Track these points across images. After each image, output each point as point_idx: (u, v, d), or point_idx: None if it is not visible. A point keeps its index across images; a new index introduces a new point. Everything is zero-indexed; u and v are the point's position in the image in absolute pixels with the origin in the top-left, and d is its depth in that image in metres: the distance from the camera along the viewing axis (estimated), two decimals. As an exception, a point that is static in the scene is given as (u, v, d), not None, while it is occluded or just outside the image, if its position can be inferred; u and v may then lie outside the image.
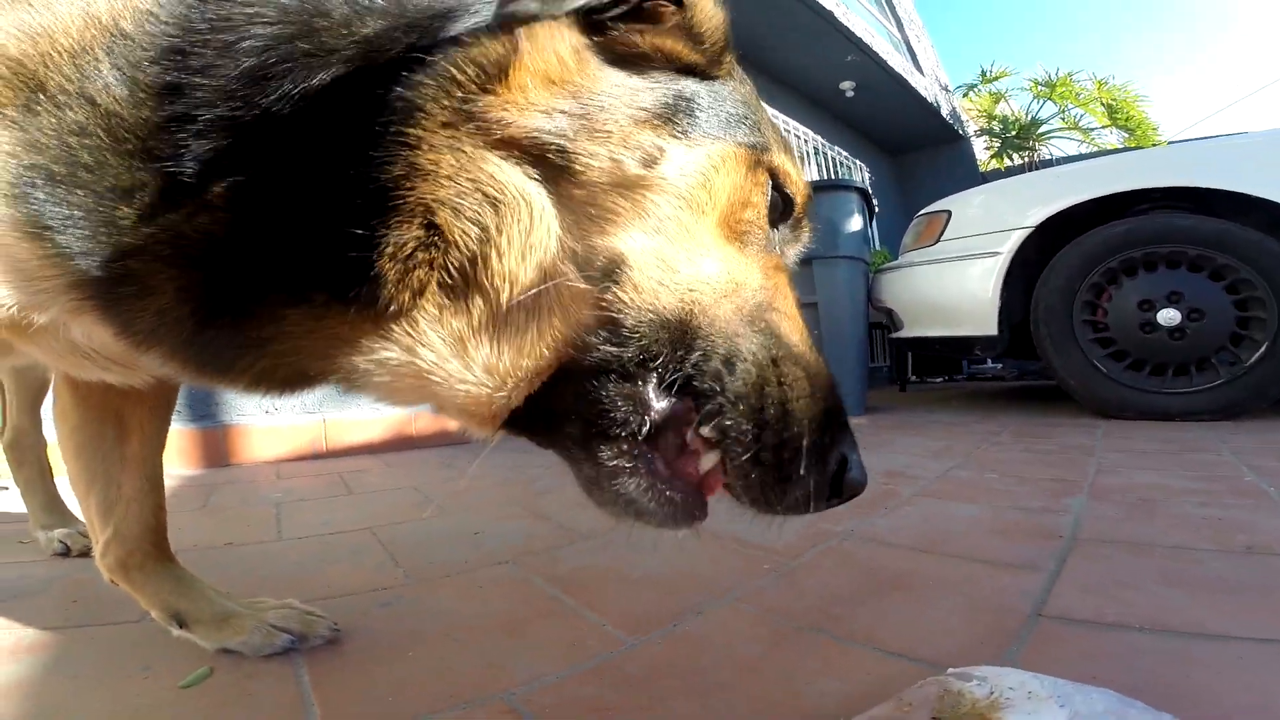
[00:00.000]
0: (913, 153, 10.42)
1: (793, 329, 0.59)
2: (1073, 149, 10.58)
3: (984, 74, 10.96)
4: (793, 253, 0.69)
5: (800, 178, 0.66)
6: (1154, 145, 9.00)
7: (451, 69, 0.51)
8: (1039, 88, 10.47)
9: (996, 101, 11.08)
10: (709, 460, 0.55)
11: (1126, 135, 10.24)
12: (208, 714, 0.73)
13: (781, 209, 0.64)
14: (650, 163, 0.54)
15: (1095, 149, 10.17)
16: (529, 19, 0.52)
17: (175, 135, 0.51)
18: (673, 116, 0.56)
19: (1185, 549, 1.16)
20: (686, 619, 0.95)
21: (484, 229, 0.51)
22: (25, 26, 0.50)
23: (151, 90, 0.51)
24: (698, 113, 0.58)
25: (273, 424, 2.92)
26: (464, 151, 0.51)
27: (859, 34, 7.23)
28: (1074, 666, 0.75)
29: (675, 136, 0.56)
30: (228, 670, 0.83)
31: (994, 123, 10.88)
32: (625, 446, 0.53)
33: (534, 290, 0.52)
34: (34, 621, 1.00)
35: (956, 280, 3.71)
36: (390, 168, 0.50)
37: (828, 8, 6.64)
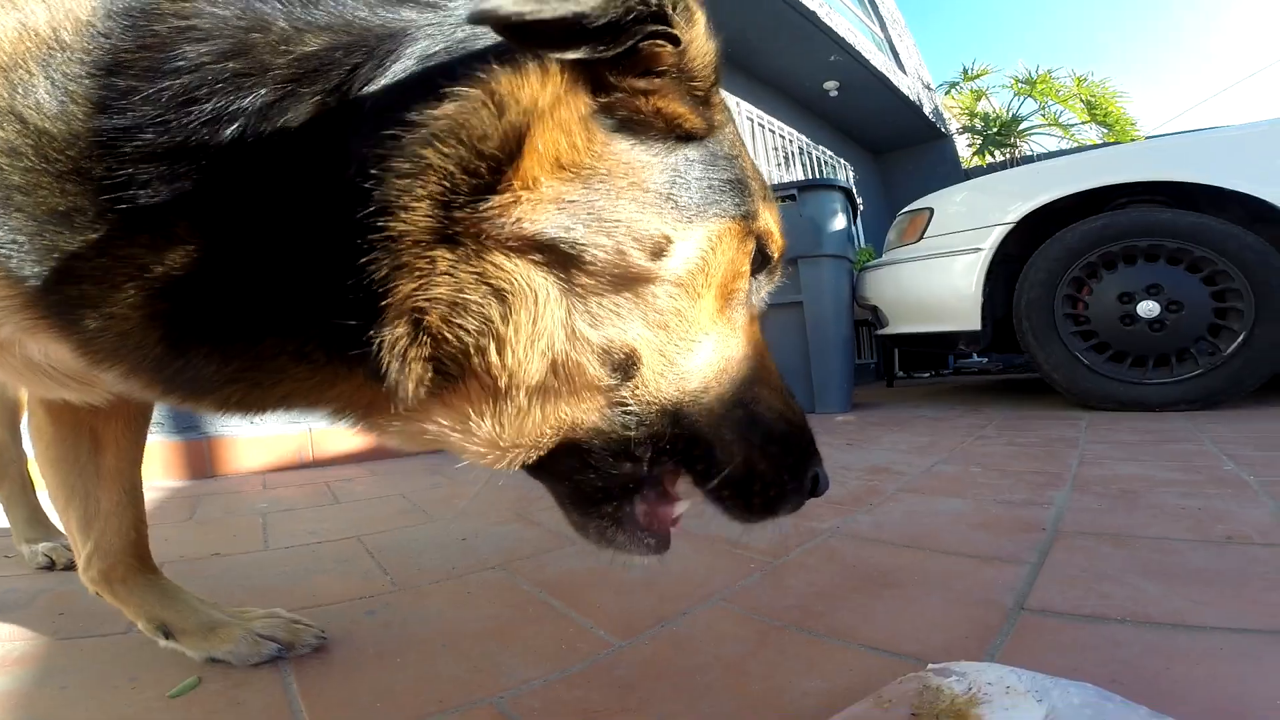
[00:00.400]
0: (896, 151, 10.49)
1: (768, 385, 0.65)
2: (1053, 145, 10.73)
3: (966, 72, 11.08)
4: (764, 295, 0.71)
5: (778, 228, 0.68)
6: (1132, 140, 9.10)
7: (431, 147, 0.48)
8: (1020, 85, 10.59)
9: (978, 99, 11.19)
10: (680, 508, 0.65)
11: (1105, 131, 10.37)
12: (197, 722, 0.73)
13: (763, 262, 0.66)
14: (657, 254, 0.54)
15: (1075, 145, 10.29)
16: (513, 20, 0.44)
17: (111, 158, 0.49)
18: (674, 195, 0.55)
19: (1165, 540, 1.18)
20: (674, 620, 0.96)
21: (486, 324, 0.50)
22: None
23: (82, 107, 0.49)
24: (694, 186, 0.57)
25: (257, 434, 2.90)
26: (458, 249, 0.49)
27: (842, 34, 7.27)
28: (1055, 659, 0.76)
29: (677, 221, 0.55)
30: (216, 679, 0.83)
31: (976, 120, 11.00)
32: (612, 508, 0.61)
33: (543, 381, 0.53)
34: (21, 635, 0.99)
35: (940, 276, 3.75)
36: (373, 264, 0.48)
37: (811, 8, 6.67)
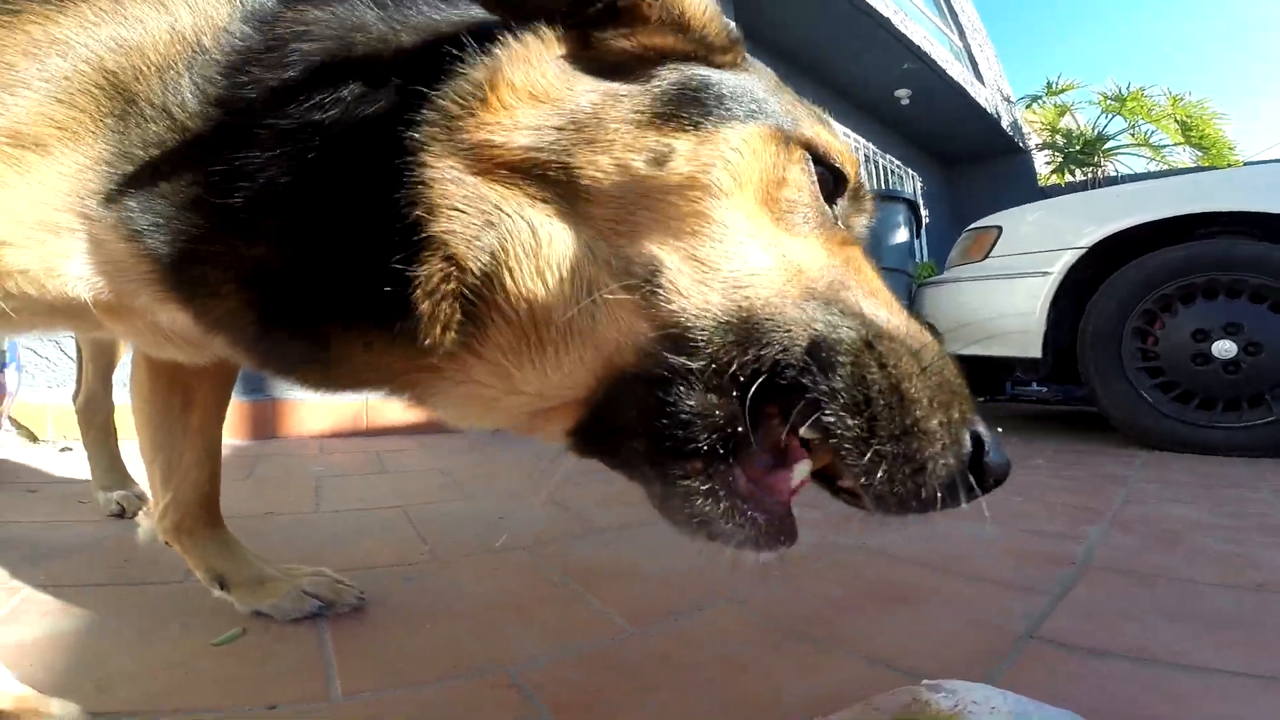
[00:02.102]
0: (969, 164, 10.19)
1: (879, 303, 0.54)
2: (1141, 166, 10.22)
3: (1050, 86, 10.63)
4: (860, 224, 0.64)
5: (845, 148, 0.61)
6: (1229, 165, 8.60)
7: (445, 97, 0.52)
8: (1108, 101, 10.12)
9: (1061, 114, 10.74)
10: (800, 471, 0.52)
11: (1200, 154, 9.84)
12: (234, 670, 0.80)
13: (834, 184, 0.59)
14: (660, 162, 0.51)
15: (1165, 167, 9.79)
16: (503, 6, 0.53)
17: (231, 152, 0.55)
18: (677, 112, 0.53)
19: (1193, 583, 1.16)
20: (686, 615, 0.99)
21: (493, 255, 0.51)
22: (120, 41, 0.54)
23: (215, 105, 0.55)
24: (707, 102, 0.54)
25: (318, 400, 3.04)
26: (465, 181, 0.51)
27: (917, 42, 7.12)
28: (1051, 688, 0.77)
29: (682, 131, 0.53)
30: (258, 632, 0.90)
31: (1057, 136, 10.55)
32: (699, 464, 0.49)
33: (566, 307, 0.50)
34: (83, 579, 1.07)
35: (1003, 298, 3.60)
36: (413, 208, 0.51)
37: (885, 15, 6.55)
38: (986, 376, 7.10)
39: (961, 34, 9.71)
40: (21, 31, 0.51)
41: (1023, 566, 1.25)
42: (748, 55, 0.65)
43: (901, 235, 4.12)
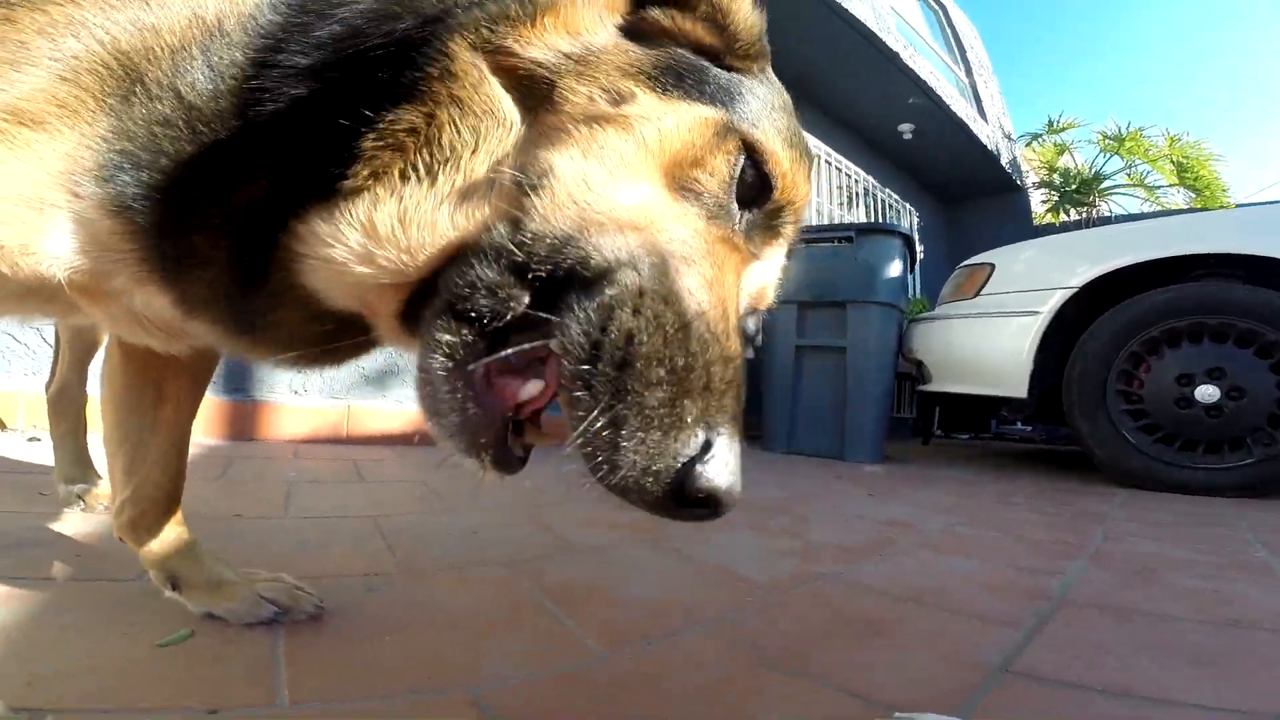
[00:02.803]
0: (966, 200, 10.29)
1: (700, 286, 0.54)
2: (1135, 206, 10.32)
3: (1051, 124, 10.74)
4: (769, 247, 0.66)
5: (791, 167, 0.64)
6: (1221, 206, 8.71)
7: (506, 6, 0.59)
8: (1107, 141, 10.21)
9: (1060, 153, 10.85)
10: (529, 390, 0.53)
11: (1194, 195, 9.94)
12: (178, 671, 0.77)
13: (759, 187, 0.62)
14: (618, 101, 0.58)
15: (1159, 208, 9.91)
16: None
17: (244, 117, 0.57)
18: (659, 75, 0.61)
19: (1170, 618, 1.16)
20: (661, 640, 0.97)
21: (470, 132, 0.56)
22: (138, 23, 0.55)
23: (231, 87, 0.57)
24: (686, 78, 0.61)
25: (299, 404, 3.01)
26: (480, 68, 0.57)
27: (924, 76, 7.21)
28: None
29: (652, 89, 0.60)
30: (209, 635, 0.87)
31: (1055, 175, 10.66)
32: (462, 328, 0.51)
33: (475, 182, 0.56)
34: (34, 572, 1.04)
35: (991, 337, 3.64)
36: (428, 66, 0.56)
37: (894, 49, 6.64)
38: (971, 414, 7.15)
39: (968, 70, 9.84)
40: (42, 11, 0.52)
41: (1000, 600, 1.25)
42: (770, 73, 0.70)
43: (895, 270, 4.12)
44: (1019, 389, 3.49)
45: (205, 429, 2.73)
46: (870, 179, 7.88)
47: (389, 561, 1.26)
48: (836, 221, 5.75)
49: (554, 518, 1.71)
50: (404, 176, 0.55)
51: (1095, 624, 1.13)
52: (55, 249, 0.57)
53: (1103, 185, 10.35)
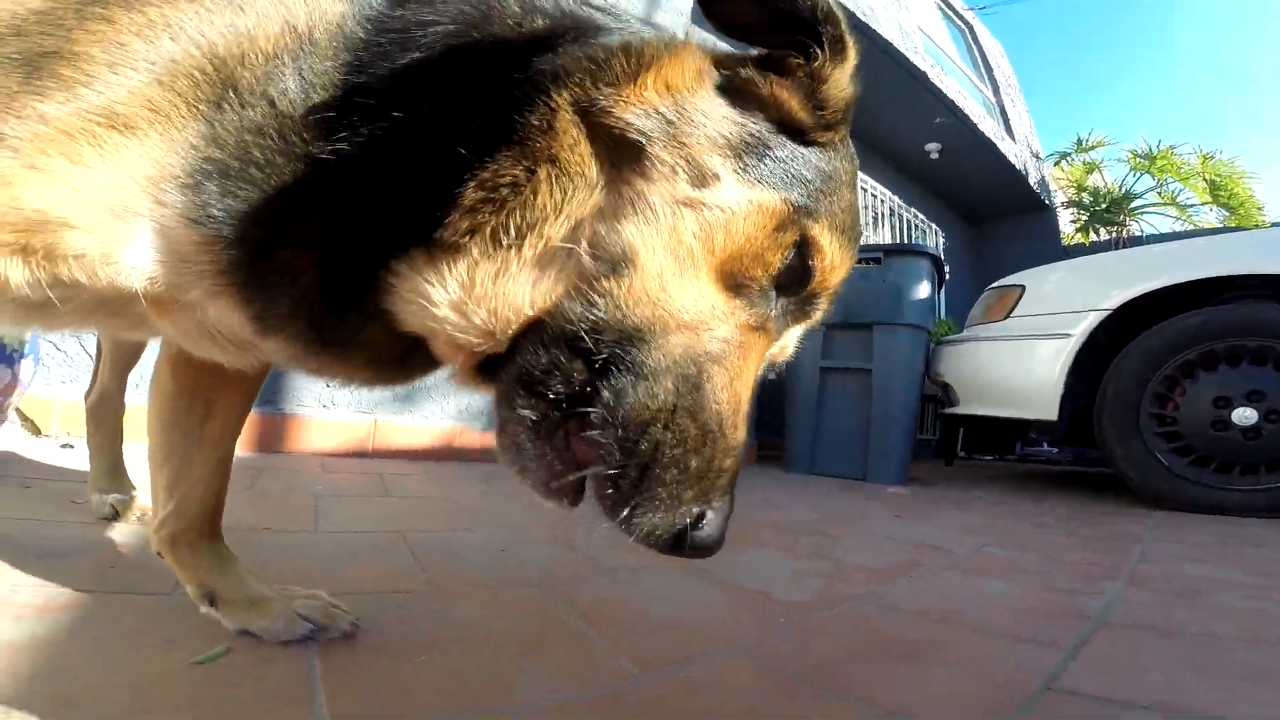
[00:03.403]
0: (994, 221, 10.16)
1: (723, 386, 0.60)
2: (1166, 225, 10.17)
3: (1080, 143, 10.61)
4: (794, 330, 0.70)
5: (836, 261, 0.67)
6: (1256, 225, 8.53)
7: (606, 55, 0.59)
8: (1138, 159, 10.07)
9: (1090, 172, 10.72)
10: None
11: (1227, 214, 9.77)
12: (213, 690, 0.76)
13: (799, 277, 0.65)
14: (701, 183, 0.59)
15: (1191, 227, 9.73)
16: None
17: (336, 131, 0.57)
18: (743, 153, 0.61)
19: (1216, 637, 1.13)
20: (694, 662, 0.96)
21: (560, 194, 0.57)
22: (234, 28, 0.55)
23: (322, 97, 0.57)
24: (766, 160, 0.62)
25: (328, 418, 3.04)
26: (579, 126, 0.58)
27: (952, 96, 7.17)
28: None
29: (735, 171, 0.60)
30: (244, 652, 0.86)
31: (1084, 194, 10.52)
32: (541, 404, 0.58)
33: (555, 249, 0.58)
34: (69, 582, 1.03)
35: (1022, 360, 3.58)
36: (529, 115, 0.57)
37: (922, 68, 6.62)
38: (995, 436, 7.02)
39: (995, 89, 9.76)
40: (139, 12, 0.52)
41: (1037, 621, 1.22)
42: (848, 140, 0.72)
43: (923, 292, 4.07)
44: (1049, 412, 3.42)
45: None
46: (896, 199, 7.83)
47: (419, 578, 1.26)
48: (863, 243, 5.70)
49: (579, 537, 1.69)
50: (496, 239, 0.57)
51: (1138, 643, 1.10)
52: (135, 259, 0.56)
53: (1133, 204, 10.20)
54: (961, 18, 9.84)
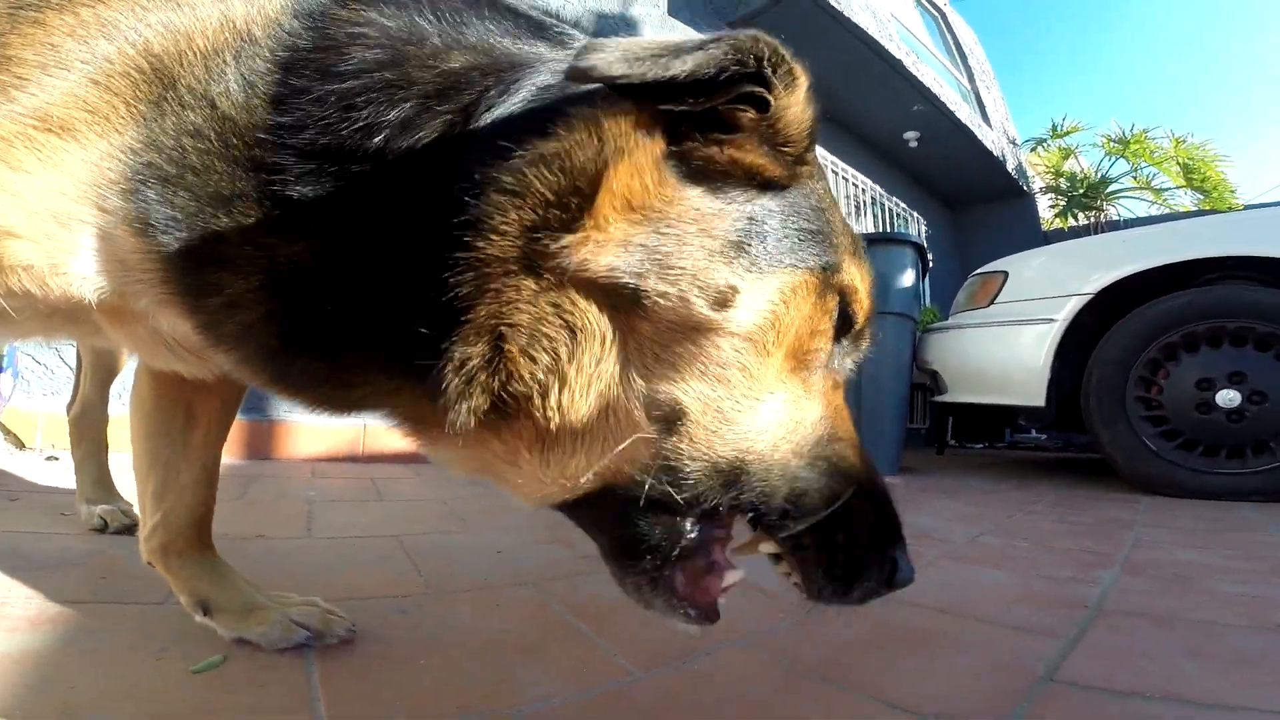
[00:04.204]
0: (973, 207, 10.23)
1: (849, 450, 0.61)
2: (1143, 209, 10.29)
3: (1055, 128, 10.72)
4: (850, 363, 0.66)
5: (866, 288, 0.63)
6: (1230, 209, 8.65)
7: (524, 185, 0.50)
8: (1111, 144, 10.18)
9: (1065, 157, 10.82)
10: (731, 578, 0.60)
11: (1201, 197, 9.90)
12: (212, 698, 0.75)
13: (847, 323, 0.62)
14: (721, 305, 0.52)
15: (1167, 210, 9.86)
16: (608, 81, 0.49)
17: (277, 151, 0.53)
18: (746, 244, 0.54)
19: (1214, 624, 1.14)
20: (698, 657, 0.95)
21: (555, 360, 0.52)
22: (170, 25, 0.53)
23: (263, 99, 0.54)
24: (769, 237, 0.56)
25: (317, 423, 3.01)
26: (540, 281, 0.51)
27: (928, 84, 7.20)
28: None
29: (747, 270, 0.54)
30: (241, 660, 0.85)
31: (1061, 179, 10.63)
32: (650, 566, 0.56)
33: (592, 433, 0.53)
34: (60, 595, 1.02)
35: (1007, 346, 3.61)
36: (459, 285, 0.51)
37: (897, 56, 6.64)
38: (985, 424, 7.09)
39: (970, 76, 9.82)
40: (71, 13, 0.50)
41: (1036, 611, 1.23)
42: (814, 153, 0.64)
43: (908, 279, 4.09)
44: (1037, 398, 3.45)
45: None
46: (878, 188, 7.87)
47: (416, 582, 1.25)
48: (846, 231, 5.73)
49: (576, 535, 1.68)
50: (506, 420, 0.54)
51: (1137, 632, 1.11)
52: (83, 268, 0.55)
53: (1109, 189, 10.32)
54: (935, 5, 9.88)
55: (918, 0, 9.37)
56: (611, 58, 0.48)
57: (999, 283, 3.81)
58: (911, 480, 3.75)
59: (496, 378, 0.52)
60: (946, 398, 4.11)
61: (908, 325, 4.17)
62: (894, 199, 8.23)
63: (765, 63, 0.53)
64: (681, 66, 0.48)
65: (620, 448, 0.53)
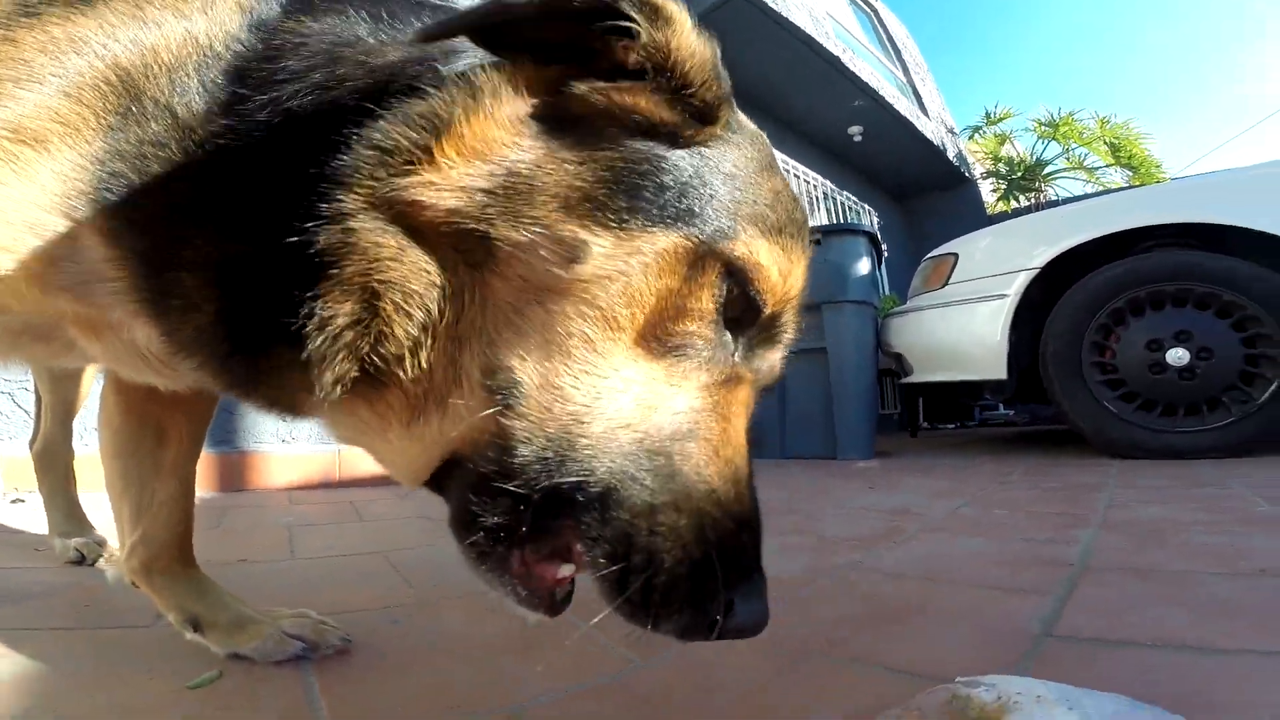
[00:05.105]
0: (921, 196, 10.53)
1: (708, 460, 0.52)
2: (1078, 189, 10.71)
3: (989, 115, 11.14)
4: (771, 356, 0.60)
5: (782, 268, 0.56)
6: (1158, 182, 9.05)
7: (383, 137, 0.51)
8: (1042, 127, 10.61)
9: (1002, 143, 11.23)
10: (566, 570, 0.54)
11: (1131, 174, 10.33)
12: (213, 714, 0.74)
13: (745, 305, 0.55)
14: (570, 261, 0.49)
15: (1100, 188, 10.26)
16: (451, 33, 0.52)
17: (225, 152, 0.55)
18: (610, 199, 0.50)
19: (1193, 573, 1.17)
20: (694, 645, 0.95)
21: (424, 317, 0.51)
22: (137, 40, 0.55)
23: (219, 109, 0.55)
24: (641, 189, 0.51)
25: (288, 452, 2.95)
26: (394, 232, 0.51)
27: (865, 79, 7.40)
28: (1082, 679, 0.75)
29: (606, 226, 0.50)
30: (237, 675, 0.84)
31: (1000, 164, 11.01)
32: (485, 539, 0.51)
33: (445, 396, 0.52)
34: (44, 622, 1.01)
35: (964, 323, 3.71)
36: (321, 232, 0.50)
37: (835, 53, 6.82)
38: (955, 404, 7.26)
39: (905, 70, 10.11)
40: (42, 30, 0.52)
41: (1020, 572, 1.25)
42: (738, 118, 0.61)
43: (864, 268, 4.19)
44: (998, 370, 3.55)
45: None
46: (828, 183, 8.03)
47: (406, 594, 1.23)
48: (800, 226, 5.85)
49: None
50: (371, 387, 0.53)
51: (1123, 585, 1.13)
52: (56, 278, 0.56)
53: (1045, 171, 10.73)
54: (866, 2, 10.16)
55: (850, -2, 9.62)
56: (445, 18, 0.52)
57: (950, 264, 3.92)
58: (888, 462, 3.81)
59: (365, 339, 0.51)
60: (913, 379, 4.20)
61: (868, 312, 4.26)
62: (844, 193, 8.41)
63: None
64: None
65: (466, 421, 0.51)
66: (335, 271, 0.50)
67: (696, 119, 0.55)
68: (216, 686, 0.81)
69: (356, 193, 0.50)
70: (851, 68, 7.11)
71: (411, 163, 0.50)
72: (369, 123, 0.51)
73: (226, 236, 0.55)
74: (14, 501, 2.21)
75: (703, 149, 0.55)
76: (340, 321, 0.50)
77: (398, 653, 0.93)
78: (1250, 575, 1.13)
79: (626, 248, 0.50)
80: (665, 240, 0.50)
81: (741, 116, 0.62)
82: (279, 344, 0.53)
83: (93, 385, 1.49)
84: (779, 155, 7.15)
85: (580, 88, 0.53)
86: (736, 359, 0.56)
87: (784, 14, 6.15)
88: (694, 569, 0.49)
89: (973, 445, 4.93)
